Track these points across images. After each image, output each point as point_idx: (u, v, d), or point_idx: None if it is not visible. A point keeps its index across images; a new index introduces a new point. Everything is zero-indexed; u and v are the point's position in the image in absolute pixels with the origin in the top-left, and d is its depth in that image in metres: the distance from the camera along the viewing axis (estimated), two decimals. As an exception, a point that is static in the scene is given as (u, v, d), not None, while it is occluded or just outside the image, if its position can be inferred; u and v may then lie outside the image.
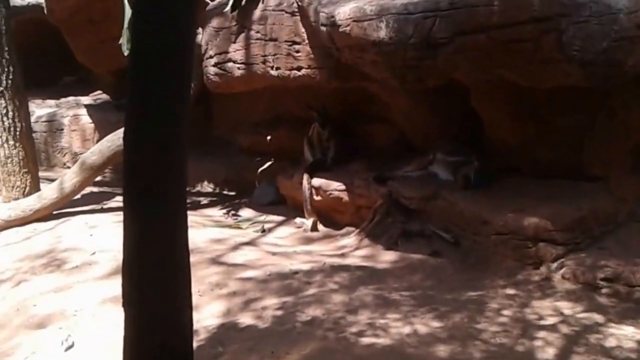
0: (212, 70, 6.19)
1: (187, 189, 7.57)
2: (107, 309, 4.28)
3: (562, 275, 4.10)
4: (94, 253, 5.34)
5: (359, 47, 4.31)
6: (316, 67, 5.27)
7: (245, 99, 7.11)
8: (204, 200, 7.29)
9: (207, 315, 4.08)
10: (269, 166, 7.07)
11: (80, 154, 8.57)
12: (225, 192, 7.52)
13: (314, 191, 5.90)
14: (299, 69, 5.38)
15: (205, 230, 5.92)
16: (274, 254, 5.20)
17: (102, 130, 8.27)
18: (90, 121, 8.73)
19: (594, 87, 3.83)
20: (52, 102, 9.77)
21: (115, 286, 4.55)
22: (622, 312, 3.77)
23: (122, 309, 3.86)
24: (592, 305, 3.85)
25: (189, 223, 6.00)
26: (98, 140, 8.28)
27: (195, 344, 3.66)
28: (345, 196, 5.70)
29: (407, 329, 3.66)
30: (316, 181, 5.89)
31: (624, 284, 3.93)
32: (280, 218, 6.30)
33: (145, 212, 2.70)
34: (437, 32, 3.91)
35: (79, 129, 8.85)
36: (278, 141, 6.93)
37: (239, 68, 5.90)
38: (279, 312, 4.02)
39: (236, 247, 5.38)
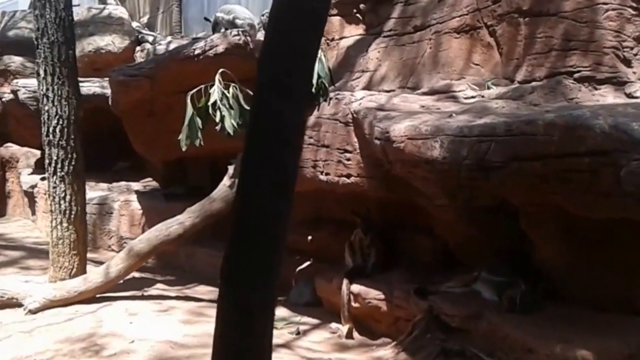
0: (261, 169, 6.17)
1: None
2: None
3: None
4: (132, 341, 5.21)
5: (412, 162, 4.24)
6: (365, 176, 5.21)
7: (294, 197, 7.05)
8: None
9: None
10: (307, 266, 6.93)
11: (127, 238, 8.59)
12: (262, 289, 7.36)
13: (352, 297, 5.72)
14: (348, 176, 5.33)
15: (241, 327, 5.74)
16: (301, 357, 4.99)
17: (150, 217, 8.30)
18: (139, 207, 8.76)
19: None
20: (104, 185, 9.90)
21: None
22: None
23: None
24: None
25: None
26: (145, 227, 8.30)
27: None
28: (383, 305, 5.49)
29: None
30: (355, 287, 5.71)
31: None
32: (315, 321, 6.10)
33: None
34: (492, 155, 3.82)
35: (128, 214, 8.88)
36: (318, 242, 6.81)
37: (288, 171, 5.87)
38: None
39: (273, 349, 5.17)
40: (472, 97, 4.82)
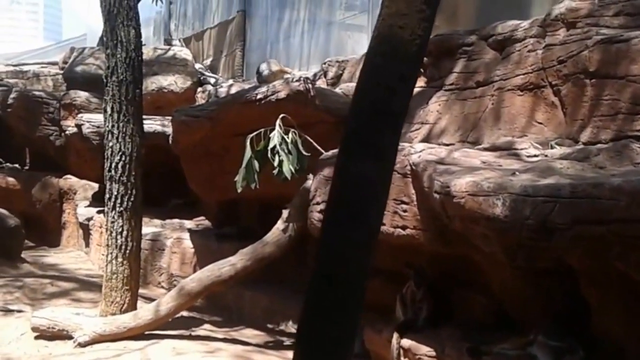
0: (316, 216, 6.22)
1: (272, 326, 7.61)
2: None
3: None
4: (177, 383, 5.25)
5: (472, 219, 4.22)
6: (421, 228, 5.20)
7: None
8: (287, 342, 7.13)
9: None
10: (357, 316, 6.88)
11: (177, 276, 8.72)
12: (309, 336, 7.34)
13: (402, 352, 5.65)
14: (403, 227, 5.32)
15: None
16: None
17: (202, 256, 8.42)
18: (191, 246, 8.89)
19: None
20: (158, 221, 10.09)
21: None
22: None
23: None
24: None
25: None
26: (196, 266, 8.42)
27: None
28: (433, 363, 5.41)
29: None
30: (406, 342, 5.64)
31: None
32: (361, 374, 6.04)
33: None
34: (555, 217, 3.77)
35: (180, 252, 9.02)
36: (369, 293, 6.74)
37: (344, 218, 5.91)
38: None
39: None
40: (535, 155, 4.79)
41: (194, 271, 8.44)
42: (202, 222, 9.97)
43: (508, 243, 4.06)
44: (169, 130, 9.43)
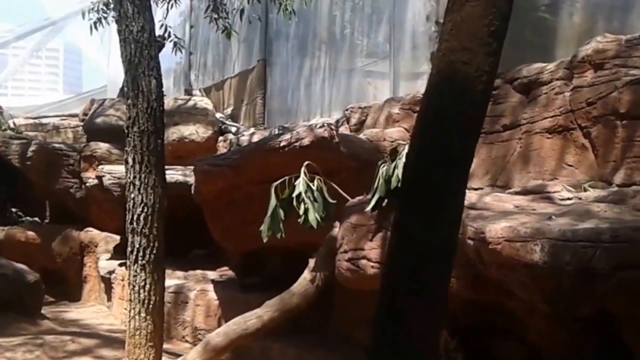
0: (344, 264, 6.17)
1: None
2: None
3: None
4: None
5: (509, 266, 4.15)
6: (454, 276, 5.11)
7: (370, 294, 6.99)
8: (313, 397, 7.00)
9: None
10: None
11: (202, 329, 8.63)
12: (330, 390, 7.21)
13: (436, 404, 5.51)
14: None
15: None
16: None
17: (227, 308, 8.34)
18: (216, 297, 8.83)
19: None
20: (180, 273, 10.05)
21: None
22: None
23: None
24: None
25: None
26: (221, 318, 8.35)
27: None
28: (471, 414, 5.27)
29: None
30: (441, 397, 5.51)
31: None
32: None
33: None
34: (597, 262, 3.70)
35: (204, 304, 8.95)
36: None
37: (372, 267, 5.85)
38: None
39: None
40: (569, 198, 4.73)
41: (219, 323, 8.37)
42: (226, 272, 9.91)
43: (548, 290, 3.98)
44: (191, 180, 9.49)
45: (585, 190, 4.86)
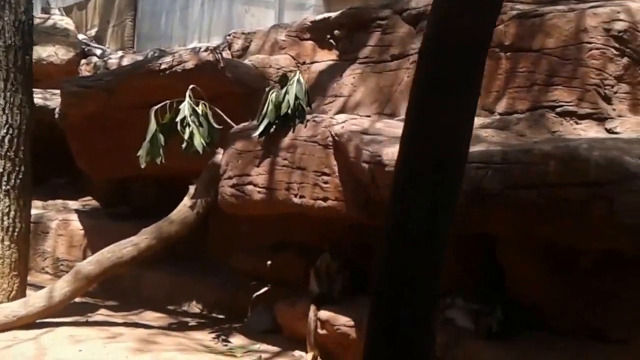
0: (228, 190, 6.17)
1: (173, 307, 7.46)
2: None
3: None
4: (87, 371, 5.03)
5: (404, 187, 4.36)
6: (343, 200, 5.30)
7: (245, 221, 7.07)
8: (192, 322, 7.04)
9: None
10: (265, 292, 6.90)
11: (64, 260, 8.32)
12: (214, 315, 7.28)
13: (319, 324, 5.75)
14: (325, 199, 5.40)
15: (197, 356, 5.66)
16: (279, 386, 4.98)
17: (94, 238, 8.10)
18: (80, 227, 8.51)
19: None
20: (38, 203, 9.54)
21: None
22: None
23: None
24: None
25: (176, 346, 5.68)
26: (87, 249, 8.09)
27: None
28: (353, 333, 5.53)
29: None
30: (323, 314, 5.74)
31: None
32: (275, 349, 6.07)
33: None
34: (488, 183, 3.99)
35: (67, 235, 8.61)
36: (278, 267, 6.83)
37: (259, 192, 5.90)
38: None
39: (240, 378, 5.14)
40: (455, 126, 5.00)
41: (85, 254, 8.11)
42: (89, 202, 9.56)
43: (440, 209, 4.21)
44: (52, 103, 8.99)
45: (469, 118, 5.14)
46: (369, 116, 5.86)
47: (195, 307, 7.48)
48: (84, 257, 7.71)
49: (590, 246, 4.04)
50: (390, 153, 4.40)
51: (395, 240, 2.43)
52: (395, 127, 5.19)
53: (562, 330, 4.73)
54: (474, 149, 4.18)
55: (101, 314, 7.09)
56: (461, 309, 5.23)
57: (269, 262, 6.84)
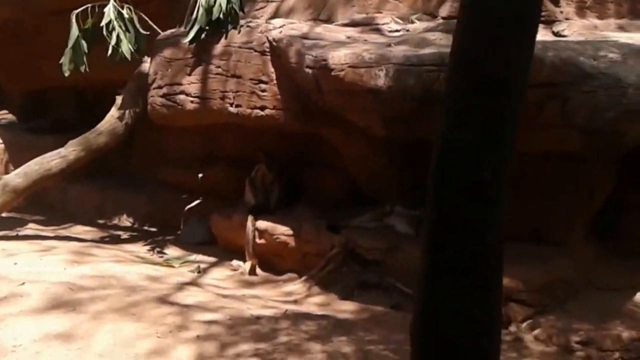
0: (159, 100, 5.74)
1: (103, 221, 7.05)
2: (52, 346, 3.66)
3: (536, 336, 3.99)
4: (23, 283, 4.62)
5: (350, 92, 4.09)
6: (282, 108, 4.99)
7: (173, 133, 6.65)
8: (124, 235, 6.67)
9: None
10: (197, 204, 6.57)
11: (-21, 175, 7.65)
12: (146, 228, 6.93)
13: (258, 234, 5.52)
14: (262, 108, 5.08)
15: (135, 266, 5.35)
16: (224, 296, 4.75)
17: (15, 152, 7.48)
18: (1, 141, 7.84)
19: (590, 155, 3.83)
20: (-52, 117, 8.75)
21: (56, 321, 3.98)
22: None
23: (68, 347, 3.24)
24: (572, 369, 3.75)
25: (112, 257, 5.34)
26: (8, 163, 7.51)
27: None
28: (291, 241, 5.36)
29: (401, 386, 3.37)
30: (262, 224, 5.51)
31: (596, 348, 3.88)
32: (211, 259, 5.84)
33: None
34: (440, 86, 3.76)
35: (-17, 149, 7.92)
36: (210, 179, 6.50)
37: (192, 101, 5.51)
38: (257, 360, 3.61)
39: (180, 287, 4.87)
40: (397, 30, 4.72)
41: (6, 169, 7.51)
42: (5, 116, 8.80)
43: (389, 115, 4.00)
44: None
45: (412, 22, 4.88)
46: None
47: (125, 221, 7.10)
48: (6, 172, 7.12)
49: (538, 149, 3.91)
50: (337, 57, 4.11)
51: (446, 183, 1.89)
52: (336, 31, 4.88)
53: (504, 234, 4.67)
54: (424, 51, 3.94)
55: (30, 228, 6.65)
56: (400, 216, 5.11)
57: (200, 175, 6.49)
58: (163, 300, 4.47)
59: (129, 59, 5.52)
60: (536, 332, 3.99)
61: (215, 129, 6.11)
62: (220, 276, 5.46)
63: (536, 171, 4.41)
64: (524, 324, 4.07)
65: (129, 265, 5.31)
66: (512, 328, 4.10)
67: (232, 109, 5.23)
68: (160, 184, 6.93)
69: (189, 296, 4.63)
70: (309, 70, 4.32)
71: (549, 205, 4.45)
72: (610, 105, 3.43)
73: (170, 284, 4.93)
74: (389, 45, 4.16)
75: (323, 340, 3.88)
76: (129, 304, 4.25)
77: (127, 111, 6.10)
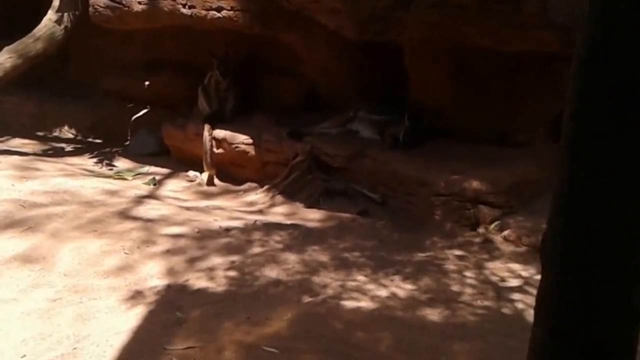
0: (102, 2, 5.27)
1: (43, 134, 6.61)
2: (11, 268, 3.41)
3: (505, 237, 3.99)
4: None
5: (320, -9, 3.80)
6: (240, 9, 4.66)
7: (113, 38, 6.22)
8: (68, 147, 6.30)
9: (145, 275, 3.41)
10: (144, 114, 6.21)
11: None
12: (90, 140, 6.56)
13: (215, 143, 5.28)
14: (219, 9, 4.73)
15: (87, 180, 5.05)
16: (187, 208, 4.54)
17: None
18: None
19: (567, 54, 3.72)
20: None
21: (12, 242, 3.70)
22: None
23: (30, 268, 3.01)
24: (541, 267, 3.76)
25: (60, 171, 4.99)
26: None
27: (145, 308, 3.04)
28: (251, 150, 5.14)
29: (383, 292, 3.31)
30: (220, 133, 5.26)
31: (562, 248, 3.90)
32: (165, 170, 5.58)
33: None
34: (418, -19, 3.53)
35: None
36: (157, 87, 6.14)
37: (139, 2, 5.09)
38: (232, 273, 3.46)
39: (139, 201, 4.63)
40: None
41: None
42: None
43: (361, 15, 3.76)
44: None
45: None
46: None
47: (67, 132, 6.69)
48: None
49: (511, 48, 3.77)
50: (306, -49, 3.77)
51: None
52: None
53: (468, 136, 4.61)
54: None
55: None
56: (365, 121, 4.96)
57: (146, 83, 6.11)
58: (124, 214, 4.24)
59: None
60: (505, 232, 3.98)
61: (160, 32, 5.71)
62: (177, 187, 5.23)
63: (507, 73, 4.31)
64: (492, 225, 4.05)
65: (80, 179, 5.00)
66: (481, 230, 4.08)
67: (185, 10, 4.85)
68: (103, 93, 6.52)
69: (151, 209, 4.40)
70: (275, -33, 3.99)
71: (517, 107, 4.38)
72: None
73: (128, 197, 4.68)
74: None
75: (297, 250, 3.77)
76: (89, 220, 4.00)
77: (65, 14, 5.61)
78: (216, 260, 3.60)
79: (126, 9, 5.12)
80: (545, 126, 4.58)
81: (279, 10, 4.40)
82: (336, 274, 3.48)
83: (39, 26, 5.63)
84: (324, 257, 3.69)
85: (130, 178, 5.34)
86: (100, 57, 6.63)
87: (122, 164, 5.80)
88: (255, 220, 4.24)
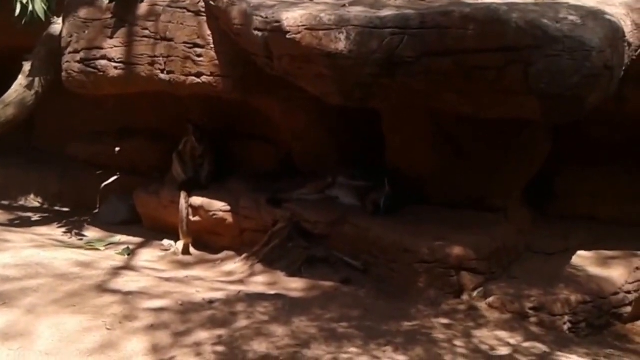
0: (76, 66, 5.23)
1: (8, 202, 6.41)
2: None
3: (490, 304, 3.95)
4: None
5: (305, 57, 3.82)
6: (220, 75, 4.64)
7: (81, 105, 6.15)
8: (34, 217, 6.11)
9: (130, 353, 3.25)
10: (114, 181, 6.09)
11: None
12: (57, 208, 6.38)
13: (192, 211, 5.17)
14: (198, 75, 4.69)
15: (59, 252, 4.87)
16: (166, 279, 4.40)
17: None
18: None
19: (548, 121, 3.80)
20: None
21: None
22: (557, 340, 3.71)
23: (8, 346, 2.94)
24: (530, 335, 3.71)
25: (30, 243, 4.78)
26: None
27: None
28: (229, 218, 5.03)
29: (380, 365, 3.21)
30: (197, 200, 5.15)
31: (547, 313, 3.89)
32: (137, 239, 5.41)
33: None
34: (403, 50, 3.57)
35: None
36: (128, 154, 6.06)
37: (115, 67, 5.04)
38: (220, 348, 3.33)
39: (116, 273, 4.45)
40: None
41: None
42: None
43: (347, 81, 3.77)
44: None
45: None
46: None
47: (33, 201, 6.51)
48: None
49: (493, 115, 3.82)
50: (292, 18, 3.81)
51: None
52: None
53: (446, 202, 4.62)
54: (384, 13, 3.73)
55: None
56: (345, 187, 4.93)
57: (117, 149, 6.03)
58: (102, 287, 4.06)
59: (43, 20, 4.97)
60: (490, 300, 3.94)
61: (131, 98, 5.67)
62: (152, 257, 5.07)
63: (486, 137, 4.36)
64: (476, 292, 4.02)
65: (51, 250, 4.81)
66: (465, 297, 4.04)
67: (164, 76, 4.81)
68: (70, 160, 6.40)
69: (129, 281, 4.23)
70: (258, 33, 3.99)
71: (493, 171, 4.41)
72: (574, 69, 3.36)
73: (104, 269, 4.49)
74: (344, 5, 3.91)
75: (284, 321, 3.65)
76: (66, 294, 3.82)
77: (36, 79, 5.52)
78: (202, 334, 3.45)
79: (101, 74, 5.06)
80: (519, 190, 4.64)
81: (260, 76, 4.39)
82: (327, 347, 3.36)
83: (9, 92, 5.52)
84: (312, 329, 3.58)
85: (102, 248, 5.17)
86: (67, 122, 6.55)
87: (92, 233, 5.63)
88: (239, 291, 4.12)
